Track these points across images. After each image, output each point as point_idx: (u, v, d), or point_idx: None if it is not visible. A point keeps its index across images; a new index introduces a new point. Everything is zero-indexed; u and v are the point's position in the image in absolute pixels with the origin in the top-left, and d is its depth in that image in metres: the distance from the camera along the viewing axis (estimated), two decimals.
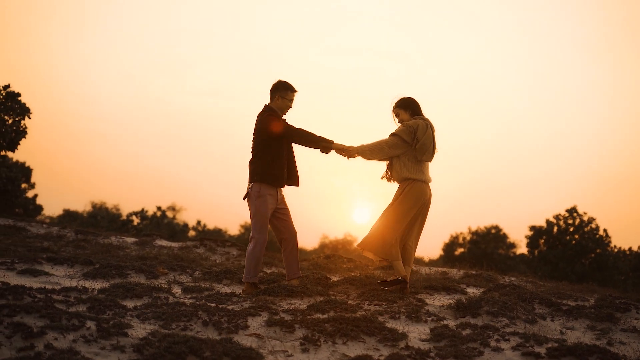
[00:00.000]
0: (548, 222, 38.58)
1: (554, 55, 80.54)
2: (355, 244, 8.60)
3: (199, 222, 46.50)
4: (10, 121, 25.26)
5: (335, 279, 9.34)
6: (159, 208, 35.04)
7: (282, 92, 8.10)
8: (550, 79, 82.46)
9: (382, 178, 8.42)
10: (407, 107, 8.31)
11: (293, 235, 8.23)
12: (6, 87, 25.46)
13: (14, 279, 7.49)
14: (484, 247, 46.59)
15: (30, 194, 48.08)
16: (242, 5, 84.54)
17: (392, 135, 8.17)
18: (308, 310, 7.07)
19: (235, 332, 6.04)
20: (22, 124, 25.60)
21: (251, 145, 8.13)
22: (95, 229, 17.25)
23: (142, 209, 34.13)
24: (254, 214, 8.00)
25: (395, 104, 8.38)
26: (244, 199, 8.04)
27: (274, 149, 8.00)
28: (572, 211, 38.33)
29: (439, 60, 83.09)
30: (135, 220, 34.37)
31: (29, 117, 25.88)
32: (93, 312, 6.19)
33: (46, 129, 64.72)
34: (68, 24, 79.82)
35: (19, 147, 25.44)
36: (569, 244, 37.37)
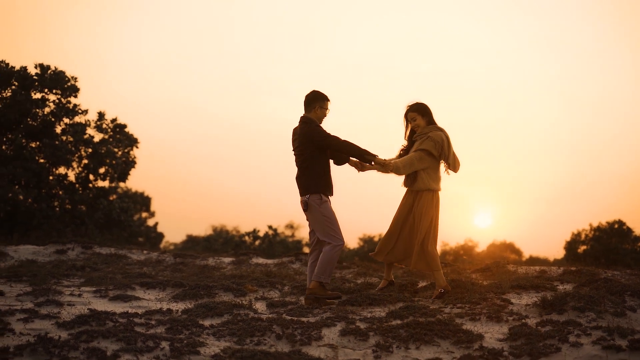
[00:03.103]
0: None
1: None
2: (410, 265, 8.54)
3: None
4: (119, 153, 26.19)
5: (423, 284, 9.24)
6: (270, 227, 35.44)
7: (321, 102, 8.16)
8: None
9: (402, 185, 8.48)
10: (424, 113, 8.35)
11: None
12: (114, 120, 26.41)
13: (103, 305, 7.68)
14: (607, 243, 45.04)
15: (151, 222, 49.62)
16: (342, 19, 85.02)
17: (420, 150, 8.24)
18: (386, 317, 7.02)
19: (308, 344, 6.05)
20: (131, 155, 26.53)
21: (295, 159, 8.17)
22: (195, 251, 17.52)
23: (254, 229, 34.67)
24: (323, 221, 8.00)
25: (411, 107, 8.37)
26: (305, 210, 8.07)
27: (322, 160, 8.07)
28: None
29: (556, 53, 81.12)
30: (248, 240, 34.88)
31: (137, 147, 26.79)
32: (170, 333, 6.30)
33: (163, 157, 66.60)
34: (171, 55, 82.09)
35: (129, 177, 26.36)
36: None
